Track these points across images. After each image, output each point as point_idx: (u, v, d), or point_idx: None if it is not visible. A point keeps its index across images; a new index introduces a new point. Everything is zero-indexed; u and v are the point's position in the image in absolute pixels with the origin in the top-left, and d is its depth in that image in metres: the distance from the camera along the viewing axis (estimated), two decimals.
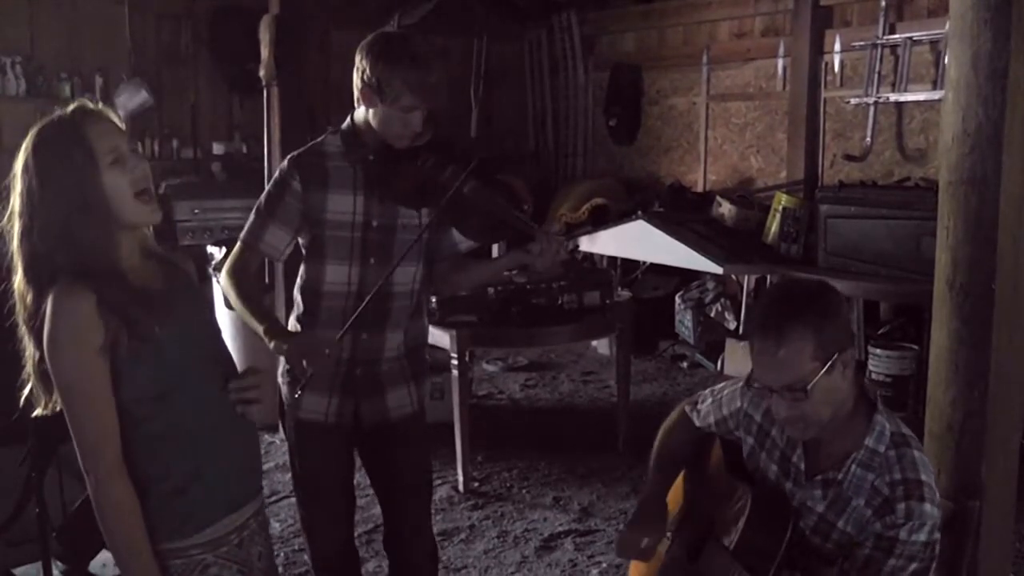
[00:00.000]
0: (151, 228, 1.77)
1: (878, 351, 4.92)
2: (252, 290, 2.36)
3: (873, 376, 4.84)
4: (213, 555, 1.70)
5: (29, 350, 1.65)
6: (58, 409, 1.66)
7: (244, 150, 6.70)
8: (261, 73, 4.68)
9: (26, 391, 1.68)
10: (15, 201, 1.63)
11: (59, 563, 2.97)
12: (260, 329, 2.22)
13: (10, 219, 1.64)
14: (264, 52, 4.61)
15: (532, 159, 8.10)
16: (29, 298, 1.62)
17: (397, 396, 2.46)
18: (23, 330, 1.65)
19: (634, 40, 7.53)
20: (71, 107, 1.67)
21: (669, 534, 2.13)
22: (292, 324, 2.48)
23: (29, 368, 1.66)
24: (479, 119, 7.74)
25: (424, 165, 2.28)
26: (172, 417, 1.66)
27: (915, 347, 4.85)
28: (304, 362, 2.14)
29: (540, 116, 8.11)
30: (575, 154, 7.92)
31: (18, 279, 1.63)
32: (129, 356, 1.60)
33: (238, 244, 2.39)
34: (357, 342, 2.37)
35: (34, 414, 1.69)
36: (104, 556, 3.15)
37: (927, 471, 1.80)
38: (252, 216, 2.38)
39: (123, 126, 1.70)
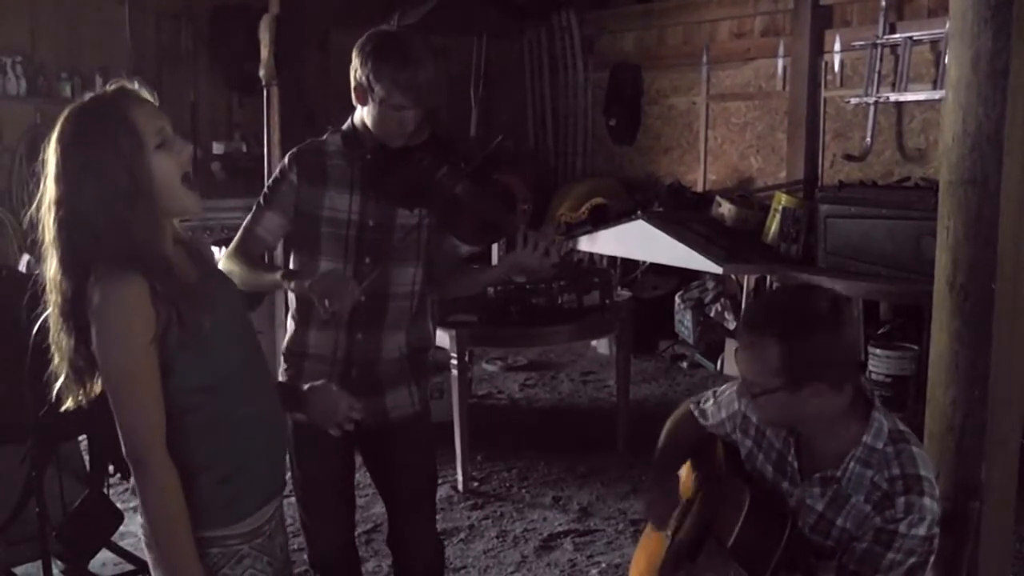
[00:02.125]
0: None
1: (878, 351, 4.92)
2: (254, 258, 2.36)
3: (873, 376, 4.84)
4: (249, 546, 1.69)
5: (63, 340, 1.60)
6: (91, 398, 1.62)
7: (244, 149, 6.70)
8: (261, 73, 4.68)
9: (58, 384, 1.63)
10: (51, 188, 1.56)
11: (59, 562, 2.97)
12: (276, 276, 2.22)
13: (40, 205, 1.59)
14: (264, 52, 4.61)
15: (532, 158, 8.10)
16: (67, 287, 1.57)
17: (396, 397, 2.45)
18: (56, 320, 1.60)
19: (634, 40, 7.52)
20: (111, 87, 1.62)
21: (669, 532, 2.14)
22: (289, 323, 2.48)
23: (62, 359, 1.61)
24: (479, 118, 7.74)
25: (419, 165, 2.27)
26: (220, 407, 1.65)
27: (915, 347, 4.85)
28: (327, 301, 2.10)
29: (540, 115, 8.11)
30: (575, 154, 7.91)
31: (52, 268, 1.58)
32: (179, 346, 1.58)
33: (239, 234, 2.40)
34: (352, 342, 2.37)
35: (63, 408, 1.66)
36: (104, 556, 3.15)
37: (926, 467, 1.81)
38: (253, 208, 2.41)
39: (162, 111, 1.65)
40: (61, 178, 1.56)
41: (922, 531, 1.75)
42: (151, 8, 6.45)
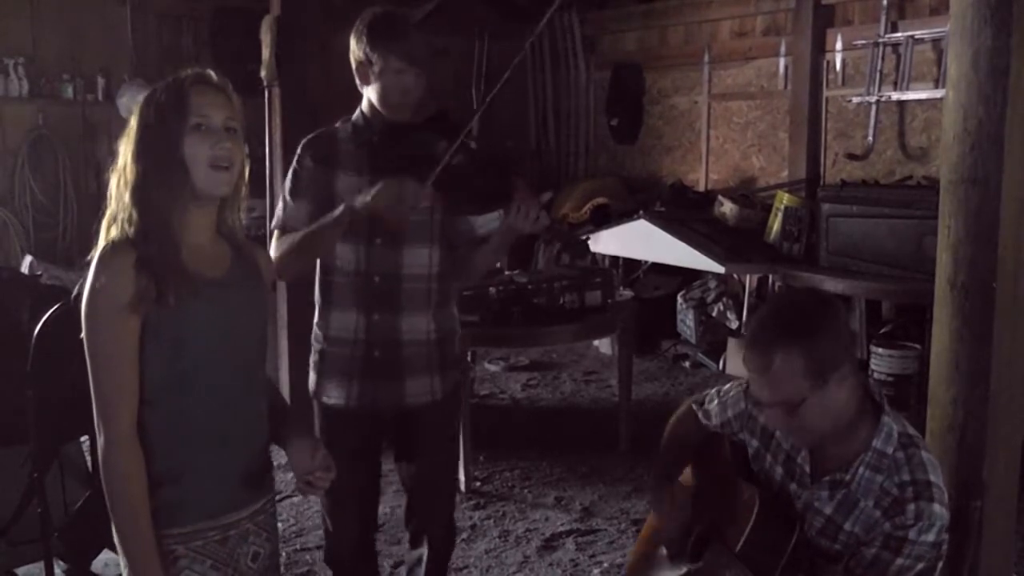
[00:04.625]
0: (240, 216, 1.79)
1: (880, 350, 4.91)
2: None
3: (875, 376, 4.83)
4: (185, 547, 1.66)
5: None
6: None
7: (246, 151, 6.70)
8: (262, 74, 4.68)
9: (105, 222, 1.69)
10: (122, 152, 1.68)
11: (61, 563, 2.97)
12: (338, 212, 2.24)
13: (115, 165, 1.69)
14: (265, 53, 4.61)
15: (534, 158, 8.10)
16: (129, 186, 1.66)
17: (416, 384, 2.45)
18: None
19: (635, 40, 7.53)
20: (188, 72, 1.72)
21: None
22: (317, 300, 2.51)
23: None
24: (480, 119, 7.73)
25: (420, 140, 2.32)
26: (178, 408, 1.64)
27: (917, 346, 4.84)
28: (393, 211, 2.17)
29: (542, 116, 8.12)
30: (577, 154, 7.92)
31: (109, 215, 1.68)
32: (155, 330, 1.60)
33: (275, 233, 2.40)
34: (370, 323, 2.40)
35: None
36: (105, 556, 3.15)
37: (936, 472, 1.80)
38: (280, 205, 2.42)
39: (235, 103, 1.75)
40: (125, 143, 1.68)
41: (931, 537, 1.74)
42: (152, 9, 6.47)
